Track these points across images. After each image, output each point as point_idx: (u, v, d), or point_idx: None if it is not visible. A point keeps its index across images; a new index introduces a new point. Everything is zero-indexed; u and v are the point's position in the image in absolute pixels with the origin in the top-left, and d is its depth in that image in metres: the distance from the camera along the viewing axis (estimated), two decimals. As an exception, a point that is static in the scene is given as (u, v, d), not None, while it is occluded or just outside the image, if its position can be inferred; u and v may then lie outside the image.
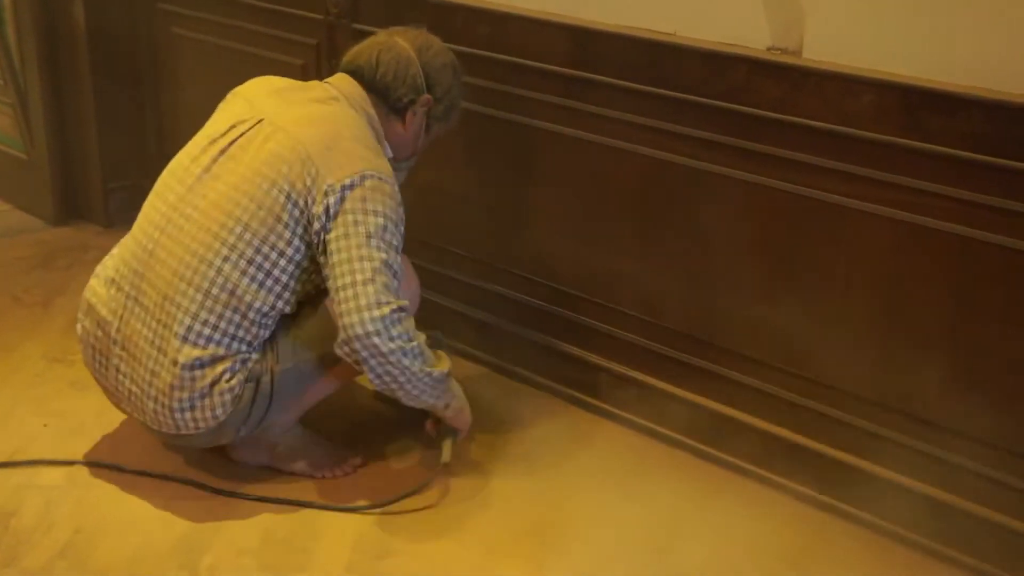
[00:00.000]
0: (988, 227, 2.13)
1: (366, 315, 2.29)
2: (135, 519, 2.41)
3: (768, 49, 2.38)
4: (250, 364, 2.41)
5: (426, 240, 3.09)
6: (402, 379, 2.36)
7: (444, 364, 2.46)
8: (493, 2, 2.81)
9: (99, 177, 3.81)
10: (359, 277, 2.32)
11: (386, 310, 2.31)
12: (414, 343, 2.35)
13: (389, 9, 2.96)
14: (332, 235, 2.34)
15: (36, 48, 3.74)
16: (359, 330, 2.29)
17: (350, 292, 2.31)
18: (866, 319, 2.35)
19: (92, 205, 3.87)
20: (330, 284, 2.35)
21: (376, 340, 2.30)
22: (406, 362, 2.33)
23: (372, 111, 2.54)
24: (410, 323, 2.36)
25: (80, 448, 2.63)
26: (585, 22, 2.65)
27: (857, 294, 2.36)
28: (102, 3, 3.69)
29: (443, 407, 2.49)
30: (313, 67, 3.23)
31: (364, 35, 3.02)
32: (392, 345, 2.31)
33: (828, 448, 2.47)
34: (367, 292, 2.31)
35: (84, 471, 2.55)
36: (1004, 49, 2.09)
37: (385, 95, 2.55)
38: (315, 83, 2.58)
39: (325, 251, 2.35)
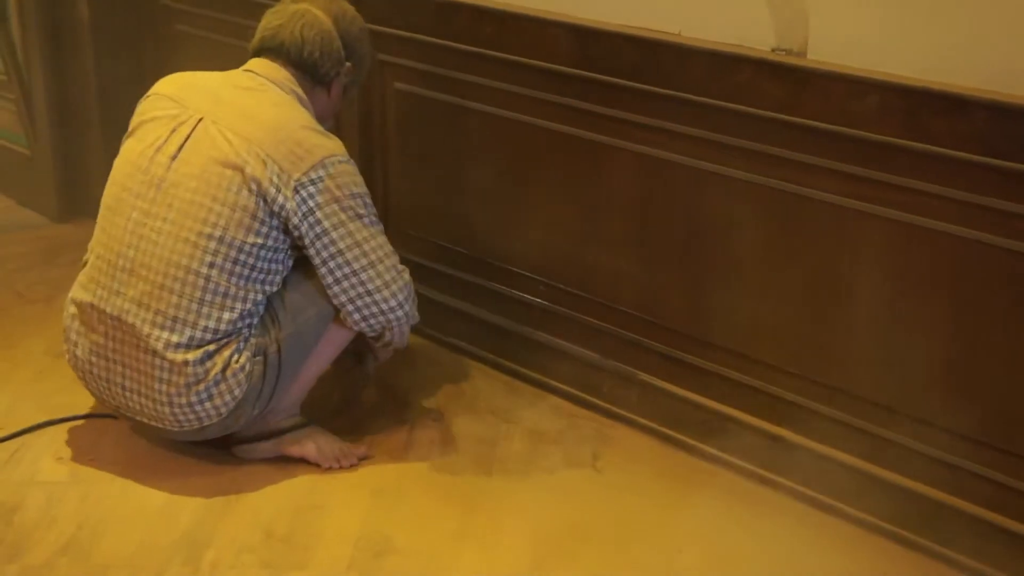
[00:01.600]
0: (990, 229, 2.13)
1: (395, 287, 2.50)
2: (137, 515, 2.42)
3: (772, 50, 2.38)
4: (253, 340, 2.45)
5: (427, 238, 3.09)
6: (402, 335, 2.62)
7: None
8: (497, 1, 2.81)
9: (102, 173, 3.73)
10: (373, 257, 2.48)
11: (406, 276, 2.54)
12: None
13: (392, 8, 2.96)
14: (327, 224, 2.44)
15: (40, 44, 3.74)
16: (392, 303, 2.50)
17: (372, 272, 2.47)
18: (868, 319, 2.36)
19: (95, 202, 3.83)
20: (336, 269, 2.46)
21: (408, 307, 2.54)
22: (415, 319, 2.60)
23: (299, 90, 2.57)
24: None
25: (82, 443, 2.64)
26: (589, 22, 2.65)
27: (859, 294, 2.36)
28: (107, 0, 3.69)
29: (398, 344, 2.67)
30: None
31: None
32: (414, 308, 2.57)
33: (825, 447, 2.47)
34: (386, 267, 2.49)
35: (87, 468, 2.56)
36: (1007, 50, 2.09)
37: (313, 71, 2.59)
38: (237, 72, 2.58)
39: (318, 240, 2.44)
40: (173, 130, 2.48)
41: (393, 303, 2.49)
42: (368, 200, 2.51)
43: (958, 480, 2.30)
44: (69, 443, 2.65)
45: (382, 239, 2.50)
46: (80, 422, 2.72)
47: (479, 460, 2.64)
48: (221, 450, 2.58)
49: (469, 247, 3.04)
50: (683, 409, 2.69)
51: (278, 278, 2.48)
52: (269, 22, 2.60)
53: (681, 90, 2.50)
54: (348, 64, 2.64)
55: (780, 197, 2.41)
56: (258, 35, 2.60)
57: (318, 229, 2.43)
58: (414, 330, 2.74)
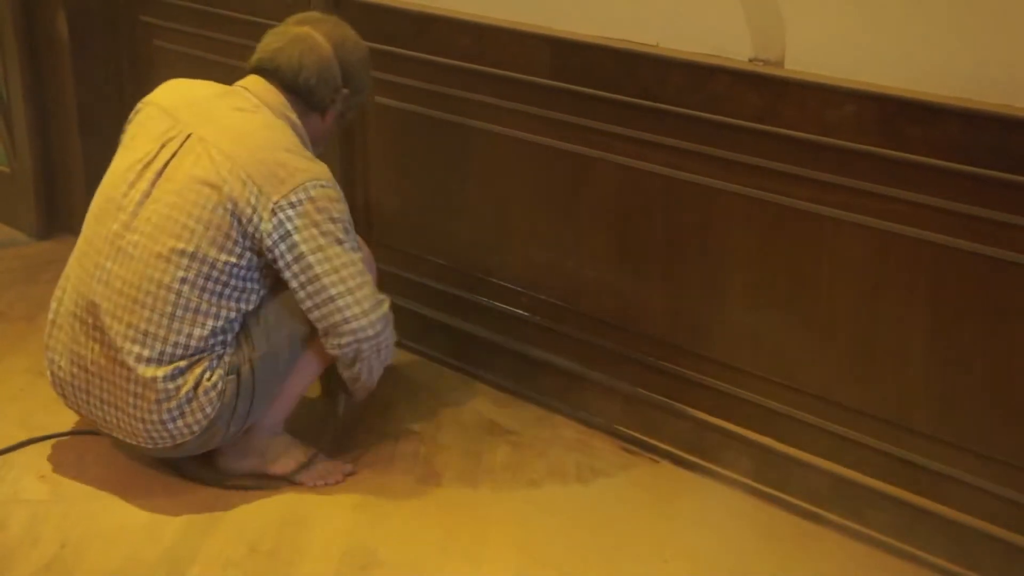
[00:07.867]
0: (965, 235, 2.15)
1: (372, 316, 2.44)
2: (121, 532, 2.41)
3: (750, 60, 2.39)
4: (226, 358, 2.44)
5: (407, 250, 3.09)
6: (376, 368, 2.55)
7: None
8: (474, 14, 2.82)
9: (82, 190, 3.79)
10: (351, 283, 2.43)
11: (385, 306, 2.49)
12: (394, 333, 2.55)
13: (369, 23, 2.96)
14: (304, 248, 2.40)
15: (19, 60, 3.73)
16: (369, 331, 2.44)
17: (349, 299, 2.42)
18: (848, 327, 2.37)
19: (76, 218, 3.80)
20: (315, 294, 2.41)
21: (382, 338, 2.48)
22: (390, 353, 2.55)
23: (293, 115, 2.55)
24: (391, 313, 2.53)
25: (64, 461, 2.63)
26: (567, 33, 2.66)
27: (838, 303, 2.37)
28: (85, 16, 3.69)
29: (367, 381, 2.58)
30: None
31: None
32: (391, 340, 2.52)
33: (810, 456, 2.48)
34: (365, 295, 2.44)
35: (69, 485, 2.56)
36: (981, 59, 2.11)
37: (308, 97, 2.56)
38: (234, 89, 2.56)
39: (295, 264, 2.40)
40: (162, 145, 2.47)
41: (370, 332, 2.44)
42: (350, 227, 2.46)
43: (936, 486, 2.31)
44: (51, 461, 2.64)
45: (361, 266, 2.45)
46: (62, 440, 2.71)
47: (463, 472, 2.64)
48: (205, 466, 2.57)
49: (450, 259, 3.05)
50: (667, 420, 2.69)
51: (254, 296, 2.46)
52: (269, 43, 2.57)
53: (660, 101, 2.51)
54: (345, 91, 2.61)
55: (759, 206, 2.42)
56: (256, 54, 2.57)
57: (295, 252, 2.39)
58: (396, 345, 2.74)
